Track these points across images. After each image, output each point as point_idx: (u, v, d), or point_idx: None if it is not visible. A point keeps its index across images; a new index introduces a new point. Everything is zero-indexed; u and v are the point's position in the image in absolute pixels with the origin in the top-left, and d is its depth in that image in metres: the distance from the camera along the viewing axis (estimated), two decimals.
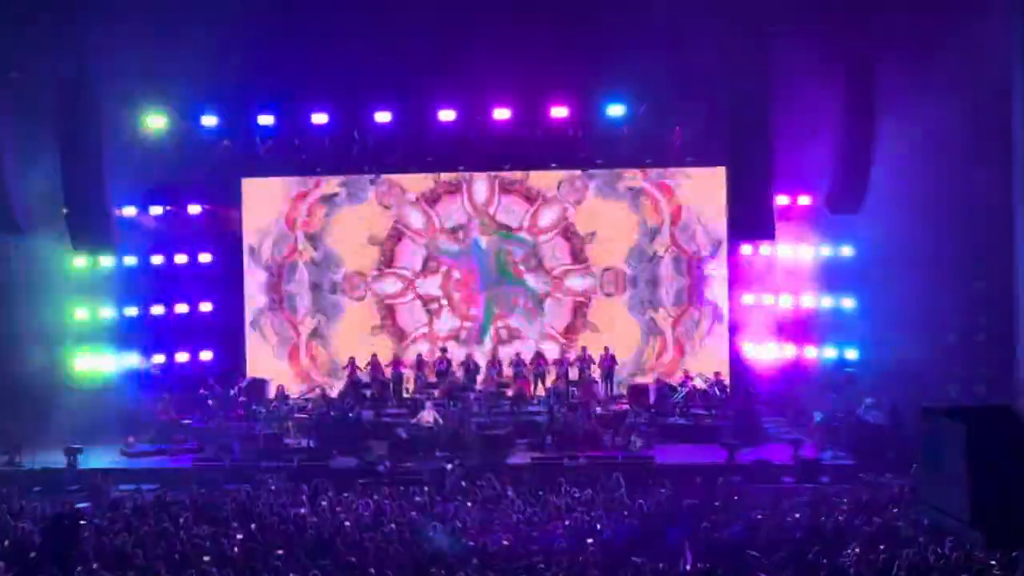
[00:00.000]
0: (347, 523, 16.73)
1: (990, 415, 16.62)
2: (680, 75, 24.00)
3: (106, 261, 26.83)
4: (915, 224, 23.16)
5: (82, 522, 16.18)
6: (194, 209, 28.85)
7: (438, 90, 25.99)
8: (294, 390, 28.26)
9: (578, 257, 29.26)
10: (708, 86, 24.12)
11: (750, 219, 23.70)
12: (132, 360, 27.78)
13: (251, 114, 26.54)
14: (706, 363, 28.13)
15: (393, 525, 16.41)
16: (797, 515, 16.96)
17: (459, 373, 27.50)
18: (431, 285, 29.63)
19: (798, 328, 27.19)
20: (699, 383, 26.98)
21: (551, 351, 28.68)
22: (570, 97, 26.01)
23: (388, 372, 27.94)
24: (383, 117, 26.53)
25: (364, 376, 27.78)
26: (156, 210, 28.34)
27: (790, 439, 23.69)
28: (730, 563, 13.45)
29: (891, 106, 22.69)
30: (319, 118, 26.58)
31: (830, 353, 26.86)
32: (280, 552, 14.70)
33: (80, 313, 27.31)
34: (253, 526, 16.56)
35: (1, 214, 24.51)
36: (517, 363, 27.75)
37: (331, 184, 29.56)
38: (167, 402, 26.48)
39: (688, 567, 13.63)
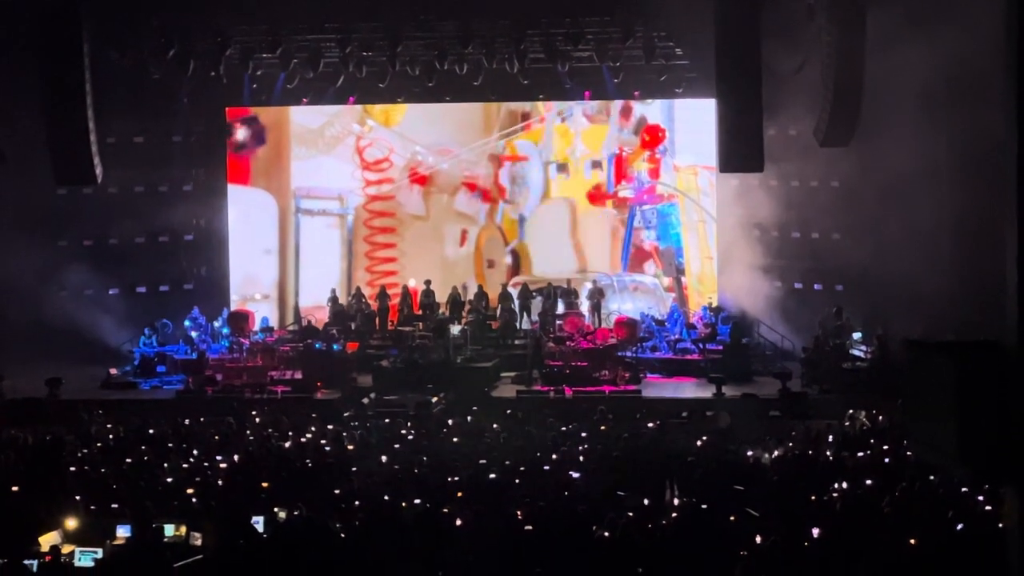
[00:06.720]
0: (332, 455, 16.64)
1: (978, 349, 16.58)
2: (671, 7, 23.77)
3: (88, 191, 26.45)
4: (906, 157, 22.91)
5: (64, 453, 16.06)
6: (177, 137, 28.59)
7: None
8: (278, 321, 28.26)
9: None
10: (698, 18, 23.85)
11: (739, 151, 23.48)
12: (114, 290, 27.63)
13: (236, 44, 26.08)
14: (695, 296, 28.27)
15: (383, 458, 16.36)
16: (783, 449, 16.92)
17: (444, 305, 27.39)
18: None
19: (786, 260, 27.08)
20: (687, 316, 26.97)
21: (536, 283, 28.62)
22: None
23: (374, 304, 27.83)
24: None
25: (349, 308, 27.68)
26: (138, 139, 28.04)
27: (777, 373, 23.61)
28: (715, 497, 13.37)
29: (882, 38, 22.37)
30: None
31: (818, 286, 26.80)
32: (265, 484, 14.60)
33: (62, 243, 27.10)
34: (237, 458, 16.46)
35: None
36: (504, 295, 27.62)
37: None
38: (149, 333, 26.28)
39: (674, 501, 13.55)
